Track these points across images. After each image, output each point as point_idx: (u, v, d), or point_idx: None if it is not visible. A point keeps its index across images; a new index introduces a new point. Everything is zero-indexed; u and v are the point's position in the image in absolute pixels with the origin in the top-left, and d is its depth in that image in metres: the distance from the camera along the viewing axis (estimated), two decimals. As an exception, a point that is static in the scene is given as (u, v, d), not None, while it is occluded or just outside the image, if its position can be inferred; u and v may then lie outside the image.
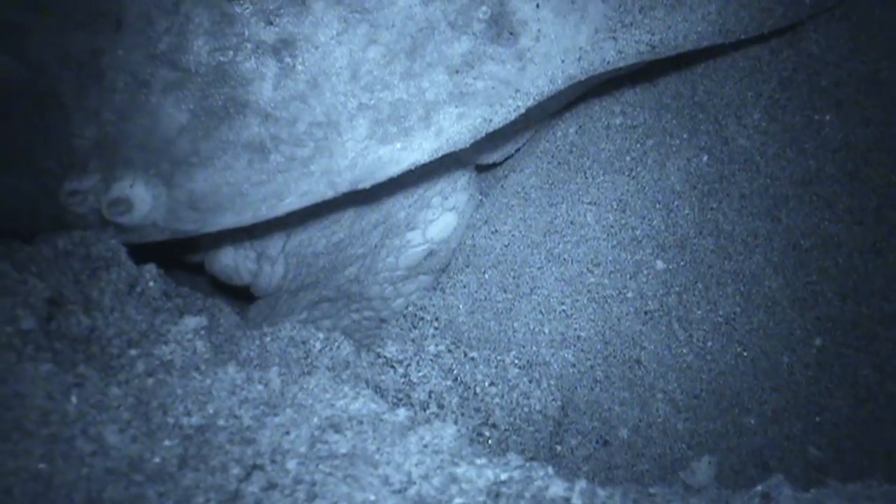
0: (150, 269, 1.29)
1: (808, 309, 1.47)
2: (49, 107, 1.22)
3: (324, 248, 1.56)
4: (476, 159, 1.66)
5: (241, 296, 1.73)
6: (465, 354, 1.41)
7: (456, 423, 1.27)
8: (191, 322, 1.12)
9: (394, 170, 1.27)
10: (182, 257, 1.63)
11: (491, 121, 1.28)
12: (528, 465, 0.88)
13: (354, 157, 1.25)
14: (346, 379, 1.25)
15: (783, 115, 1.56)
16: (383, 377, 1.31)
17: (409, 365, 1.35)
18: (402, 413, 0.97)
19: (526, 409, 1.38)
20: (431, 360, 1.38)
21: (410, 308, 1.62)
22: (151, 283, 1.28)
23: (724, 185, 1.55)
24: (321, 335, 1.34)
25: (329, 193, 1.27)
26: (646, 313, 1.52)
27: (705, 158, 1.58)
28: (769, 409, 1.43)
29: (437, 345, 1.43)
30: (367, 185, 1.28)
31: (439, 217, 1.65)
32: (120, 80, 1.20)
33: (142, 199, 1.24)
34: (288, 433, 0.92)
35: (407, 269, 1.68)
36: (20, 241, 1.27)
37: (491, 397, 1.34)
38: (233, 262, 1.55)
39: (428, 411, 1.28)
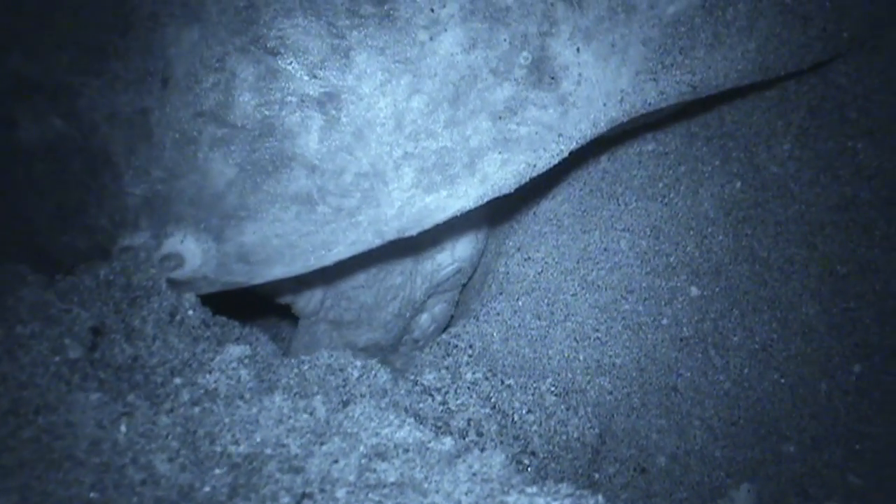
0: (190, 297, 1.29)
1: (846, 335, 1.46)
2: (100, 166, 1.24)
3: (364, 280, 1.56)
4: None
5: (279, 313, 1.74)
6: (502, 382, 1.41)
7: (495, 450, 1.27)
8: (235, 351, 1.12)
9: (440, 217, 1.28)
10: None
11: (535, 166, 1.28)
12: (578, 493, 0.87)
13: (401, 206, 1.25)
14: (386, 406, 1.25)
15: (814, 143, 1.56)
16: (422, 405, 1.31)
17: (447, 392, 1.35)
18: (447, 441, 0.97)
19: (564, 437, 1.37)
20: (469, 387, 1.38)
21: (444, 336, 1.62)
22: (191, 312, 1.28)
23: (759, 211, 1.55)
24: (359, 363, 1.34)
25: (376, 242, 1.28)
26: (681, 340, 1.51)
27: (738, 185, 1.58)
28: (808, 436, 1.42)
29: (473, 372, 1.43)
30: (413, 232, 1.28)
31: (464, 236, 1.66)
32: (168, 138, 1.22)
33: (192, 253, 1.25)
34: (336, 462, 0.92)
35: (439, 290, 1.68)
36: (62, 273, 1.28)
37: (529, 425, 1.34)
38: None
39: (467, 439, 1.27)
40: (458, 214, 1.28)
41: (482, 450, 0.95)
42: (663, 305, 1.53)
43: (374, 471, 0.91)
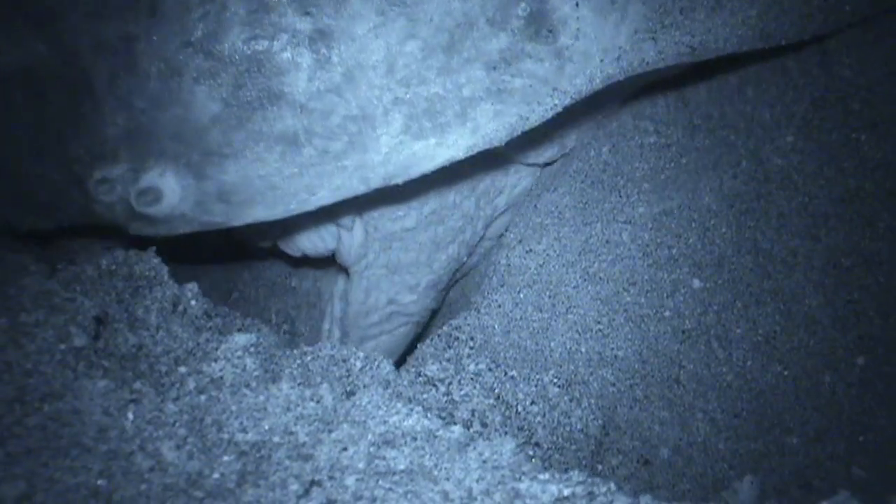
0: (192, 287, 1.29)
1: (849, 327, 1.46)
2: (81, 95, 1.20)
3: (415, 222, 1.55)
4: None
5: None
6: (505, 373, 1.41)
7: (505, 437, 1.27)
8: (240, 339, 1.11)
9: (428, 166, 1.26)
10: (250, 243, 1.64)
11: (528, 119, 1.26)
12: (590, 480, 0.87)
13: (388, 153, 1.23)
14: (391, 397, 1.25)
15: (818, 135, 1.56)
16: (425, 395, 1.30)
17: (450, 383, 1.34)
18: (457, 429, 0.97)
19: (567, 429, 1.37)
20: (472, 378, 1.38)
21: (445, 328, 1.62)
22: (193, 302, 1.28)
23: (762, 203, 1.55)
24: (361, 354, 1.34)
25: (361, 189, 1.26)
26: (683, 332, 1.51)
27: (741, 177, 1.58)
28: (811, 428, 1.42)
29: (476, 364, 1.42)
30: (399, 180, 1.26)
31: (522, 180, 1.68)
32: (153, 68, 1.19)
33: (171, 189, 1.23)
34: (345, 449, 0.92)
35: (493, 238, 1.70)
36: (64, 262, 1.27)
37: (533, 416, 1.33)
38: (310, 242, 1.54)
39: (472, 429, 1.27)
40: (447, 165, 1.26)
41: (490, 438, 0.95)
42: (665, 297, 1.53)
43: (384, 458, 0.91)
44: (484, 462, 0.90)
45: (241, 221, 1.27)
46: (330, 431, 0.94)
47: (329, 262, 1.68)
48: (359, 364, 1.32)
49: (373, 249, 1.56)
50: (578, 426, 1.38)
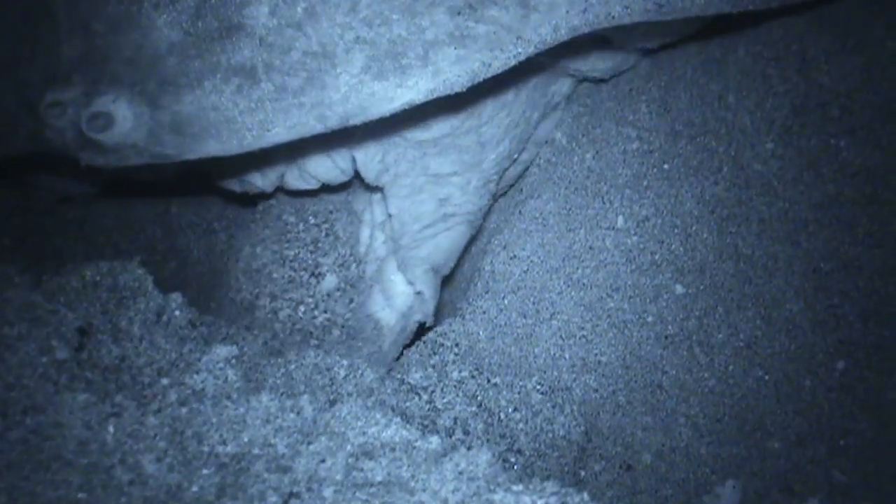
0: (176, 297, 1.30)
1: (829, 332, 1.47)
2: (37, 15, 1.20)
3: (450, 128, 1.52)
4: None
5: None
6: (489, 380, 1.42)
7: (482, 448, 1.28)
8: (222, 351, 1.12)
9: (387, 107, 1.24)
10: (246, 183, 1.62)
11: (490, 66, 1.25)
12: (563, 491, 0.88)
13: (347, 92, 1.21)
14: (373, 406, 1.26)
15: (798, 141, 1.57)
16: (408, 404, 1.31)
17: (433, 391, 1.36)
18: (434, 440, 0.98)
19: (550, 435, 1.38)
20: (455, 386, 1.39)
21: (430, 334, 1.63)
22: (177, 312, 1.29)
23: (743, 209, 1.56)
24: (345, 362, 1.35)
25: (318, 128, 1.23)
26: (666, 338, 1.52)
27: (722, 183, 1.59)
28: (792, 432, 1.44)
29: (459, 371, 1.43)
30: (357, 121, 1.24)
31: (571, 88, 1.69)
32: None
33: (124, 116, 1.20)
34: (323, 461, 0.93)
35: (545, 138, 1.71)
36: (49, 272, 1.28)
37: (515, 423, 1.35)
38: (323, 169, 1.53)
39: (454, 437, 1.28)
40: (406, 108, 1.25)
41: (469, 448, 0.96)
42: (648, 303, 1.54)
43: (362, 470, 0.92)
44: (460, 473, 0.91)
45: (193, 155, 1.25)
46: (309, 443, 0.95)
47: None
48: (342, 373, 1.34)
49: (406, 158, 1.54)
50: (561, 433, 1.39)
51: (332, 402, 1.15)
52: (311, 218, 1.68)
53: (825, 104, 1.56)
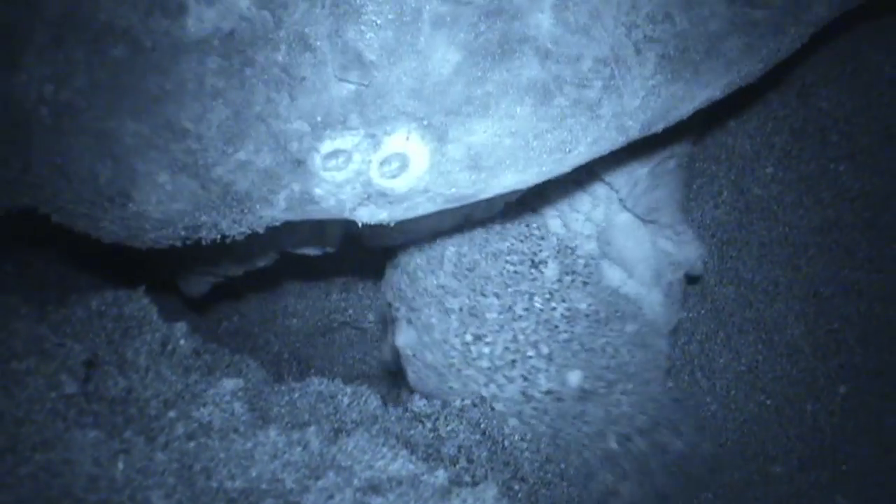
0: (181, 327, 1.30)
1: (831, 357, 1.48)
2: (295, 51, 1.03)
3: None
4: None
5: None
6: (491, 408, 1.42)
7: (486, 477, 1.28)
8: (228, 384, 1.13)
9: (686, 109, 1.14)
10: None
11: (778, 51, 1.16)
12: (571, 526, 0.89)
13: (646, 97, 1.10)
14: (378, 434, 1.26)
15: (797, 166, 1.58)
16: (412, 432, 1.32)
17: (436, 419, 1.36)
18: (440, 474, 0.98)
19: (554, 463, 1.38)
20: (458, 414, 1.39)
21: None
22: (182, 342, 1.29)
23: (743, 233, 1.57)
24: (349, 389, 1.35)
25: (620, 140, 1.12)
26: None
27: (722, 207, 1.60)
28: (795, 457, 1.44)
29: (462, 399, 1.44)
30: (658, 128, 1.14)
31: None
32: (383, 13, 1.02)
33: (419, 154, 1.07)
34: (332, 497, 0.93)
35: None
36: (53, 302, 1.29)
37: (520, 451, 1.35)
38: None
39: (458, 466, 1.28)
40: (706, 105, 1.15)
41: (475, 483, 0.96)
42: (650, 328, 1.55)
43: (370, 505, 0.93)
44: (467, 508, 0.92)
45: (488, 193, 1.11)
46: (317, 478, 0.96)
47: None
48: (346, 400, 1.34)
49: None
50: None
51: (338, 432, 1.15)
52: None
53: (824, 129, 1.57)
